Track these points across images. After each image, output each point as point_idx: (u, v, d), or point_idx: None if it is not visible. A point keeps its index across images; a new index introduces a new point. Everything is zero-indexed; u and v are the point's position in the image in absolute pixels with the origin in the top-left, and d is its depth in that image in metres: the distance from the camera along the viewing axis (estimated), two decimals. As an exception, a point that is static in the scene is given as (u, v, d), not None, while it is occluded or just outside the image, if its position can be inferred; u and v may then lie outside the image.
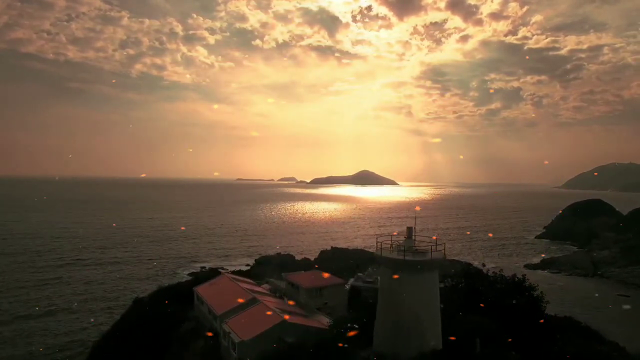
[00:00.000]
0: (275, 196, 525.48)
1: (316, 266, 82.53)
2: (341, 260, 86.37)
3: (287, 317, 32.87)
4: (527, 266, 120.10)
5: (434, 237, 26.48)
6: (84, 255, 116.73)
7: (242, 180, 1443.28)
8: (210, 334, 35.86)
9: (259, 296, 38.76)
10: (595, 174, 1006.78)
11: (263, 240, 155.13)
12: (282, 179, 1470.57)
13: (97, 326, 63.47)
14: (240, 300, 36.75)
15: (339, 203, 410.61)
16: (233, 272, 70.54)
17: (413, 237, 25.91)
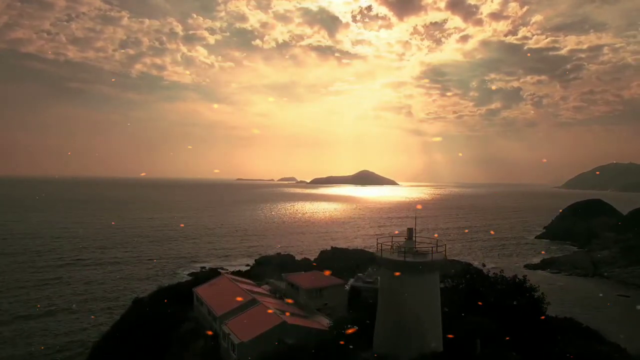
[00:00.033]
0: (275, 196, 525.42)
1: (314, 264, 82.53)
2: (341, 260, 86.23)
3: (287, 317, 32.83)
4: (527, 266, 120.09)
5: (435, 236, 26.41)
6: (83, 255, 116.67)
7: (242, 180, 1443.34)
8: (210, 332, 35.87)
9: (259, 297, 38.69)
10: (597, 172, 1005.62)
11: (263, 240, 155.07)
12: (282, 179, 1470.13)
13: (97, 326, 63.43)
14: (240, 301, 36.68)
15: (339, 203, 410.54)
16: (233, 273, 70.53)
17: (414, 238, 25.84)
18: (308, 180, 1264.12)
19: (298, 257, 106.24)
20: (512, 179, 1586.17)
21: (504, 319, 30.23)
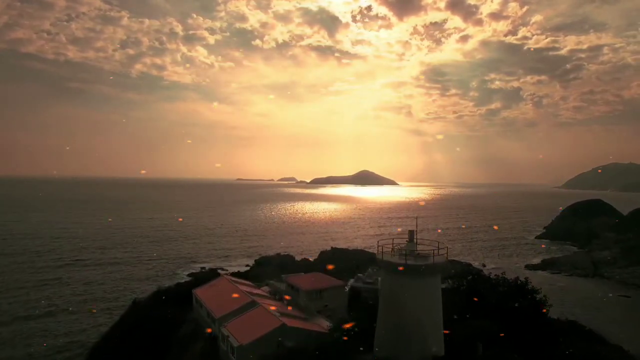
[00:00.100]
0: (275, 196, 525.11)
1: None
2: (341, 260, 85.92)
3: (287, 319, 32.61)
4: (528, 267, 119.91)
5: (439, 230, 26.14)
6: (83, 256, 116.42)
7: (242, 180, 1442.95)
8: (209, 330, 35.68)
9: (258, 299, 38.46)
10: (600, 171, 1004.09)
11: (263, 241, 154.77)
12: (282, 179, 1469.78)
13: (97, 327, 63.21)
14: (239, 303, 36.47)
15: (339, 203, 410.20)
16: (232, 274, 70.41)
17: (415, 241, 25.59)
18: (308, 181, 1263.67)
19: (298, 258, 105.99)
20: (512, 179, 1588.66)
21: (505, 321, 30.00)
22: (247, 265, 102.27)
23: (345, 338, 28.57)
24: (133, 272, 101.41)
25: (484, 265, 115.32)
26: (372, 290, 46.64)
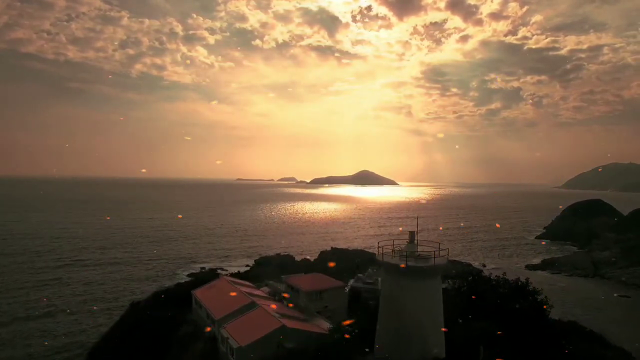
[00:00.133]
0: (275, 196, 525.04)
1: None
2: (341, 261, 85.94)
3: (286, 321, 32.49)
4: (528, 267, 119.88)
5: (440, 228, 26.02)
6: (83, 256, 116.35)
7: (242, 180, 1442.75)
8: (209, 328, 35.58)
9: (258, 300, 38.32)
10: (600, 169, 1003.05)
11: (263, 241, 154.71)
12: (282, 179, 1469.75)
13: (96, 327, 63.14)
14: (239, 304, 36.34)
15: (339, 203, 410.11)
16: (232, 274, 70.33)
17: (415, 242, 25.47)
18: (308, 181, 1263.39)
19: (298, 258, 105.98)
20: (512, 179, 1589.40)
21: (506, 322, 29.88)
22: (247, 266, 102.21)
23: (347, 336, 28.45)
24: (133, 273, 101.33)
25: (484, 266, 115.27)
26: (372, 291, 46.59)
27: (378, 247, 25.16)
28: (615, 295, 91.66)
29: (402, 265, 23.43)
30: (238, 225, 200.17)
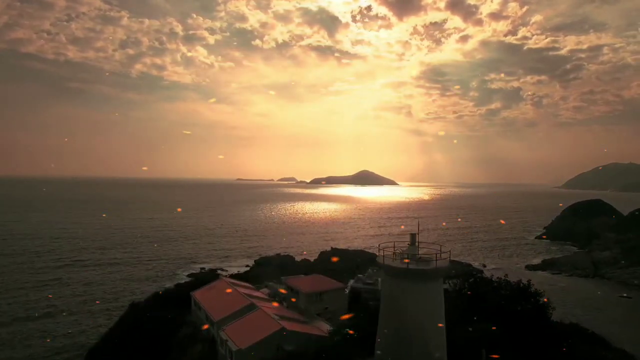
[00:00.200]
0: (275, 196, 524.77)
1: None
2: (341, 261, 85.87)
3: (286, 323, 32.34)
4: (528, 267, 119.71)
5: (443, 224, 25.81)
6: (83, 256, 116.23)
7: (242, 180, 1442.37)
8: (206, 326, 35.47)
9: (258, 301, 38.15)
10: (600, 168, 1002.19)
11: (263, 241, 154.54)
12: (282, 179, 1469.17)
13: (96, 328, 63.03)
14: (238, 306, 36.17)
15: (338, 203, 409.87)
16: (232, 275, 70.24)
17: (416, 244, 25.28)
18: (308, 181, 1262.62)
19: (298, 258, 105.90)
20: (512, 179, 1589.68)
21: (508, 324, 29.71)
22: (247, 266, 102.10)
23: (351, 332, 28.27)
24: (133, 273, 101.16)
25: (484, 266, 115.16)
26: (372, 291, 46.48)
27: (379, 249, 24.99)
28: (615, 295, 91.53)
29: (405, 261, 23.27)
30: (238, 226, 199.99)
